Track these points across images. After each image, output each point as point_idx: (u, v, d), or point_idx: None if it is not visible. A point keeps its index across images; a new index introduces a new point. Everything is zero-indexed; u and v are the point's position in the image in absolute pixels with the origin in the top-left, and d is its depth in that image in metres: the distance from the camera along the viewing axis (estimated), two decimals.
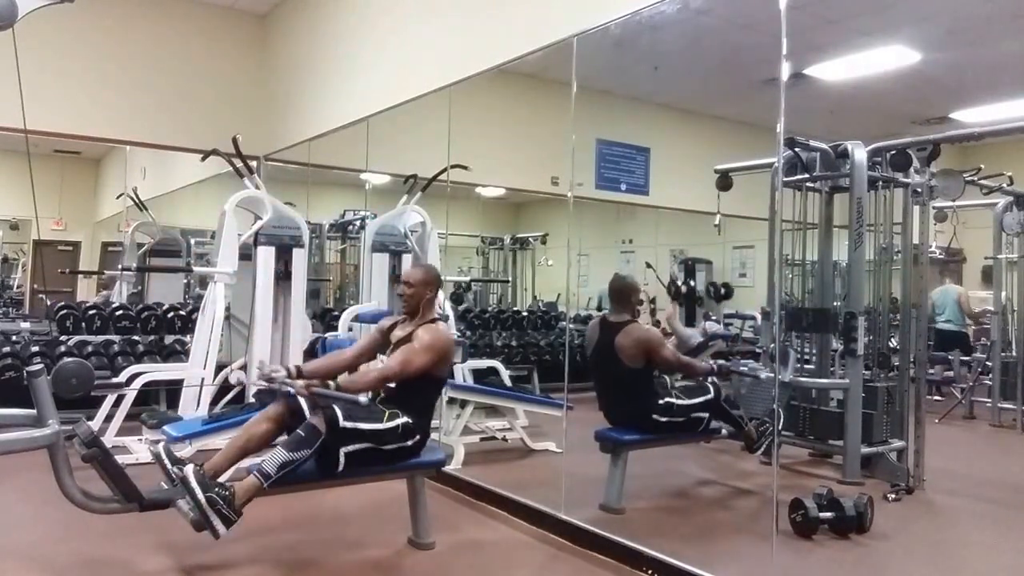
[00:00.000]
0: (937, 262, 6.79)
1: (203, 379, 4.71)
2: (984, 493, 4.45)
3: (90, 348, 5.77)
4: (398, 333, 3.30)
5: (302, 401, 3.04)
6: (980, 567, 3.34)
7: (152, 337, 6.18)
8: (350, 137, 5.65)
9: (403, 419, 3.07)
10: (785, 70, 2.85)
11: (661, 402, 3.79)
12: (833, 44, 4.68)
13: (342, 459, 2.93)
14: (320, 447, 2.87)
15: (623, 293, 3.94)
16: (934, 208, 5.42)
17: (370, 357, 3.24)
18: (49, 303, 6.48)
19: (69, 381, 3.08)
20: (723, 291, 6.42)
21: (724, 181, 5.10)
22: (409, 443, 3.11)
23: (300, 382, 2.92)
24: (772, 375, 4.35)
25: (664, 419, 3.77)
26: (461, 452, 4.60)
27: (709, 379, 4.00)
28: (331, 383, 2.95)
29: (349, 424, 2.92)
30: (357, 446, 2.96)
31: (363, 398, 2.90)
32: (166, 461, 2.85)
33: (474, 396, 4.90)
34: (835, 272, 5.05)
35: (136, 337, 6.12)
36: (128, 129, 6.37)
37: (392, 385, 3.16)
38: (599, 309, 7.76)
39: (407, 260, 5.63)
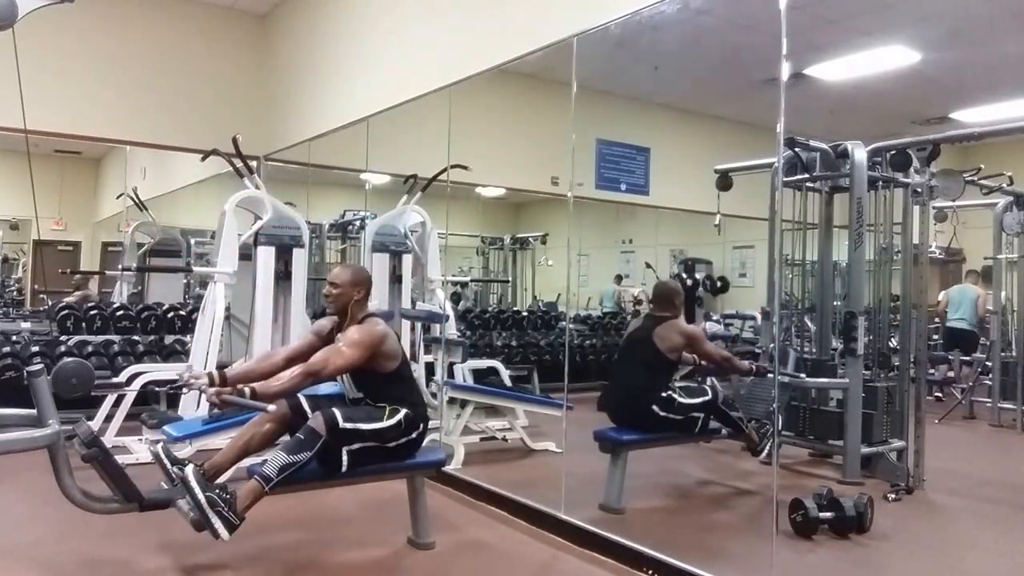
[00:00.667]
0: (939, 263, 6.80)
1: None
2: (984, 493, 4.45)
3: (90, 348, 5.77)
4: (338, 337, 3.18)
5: (303, 401, 3.05)
6: (980, 567, 3.34)
7: (152, 337, 6.18)
8: (350, 137, 5.65)
9: (403, 412, 3.08)
10: (785, 70, 2.85)
11: (663, 394, 3.80)
12: (833, 44, 4.68)
13: (345, 458, 2.94)
14: (321, 448, 2.87)
15: (667, 295, 4.15)
16: (934, 208, 5.43)
17: (305, 359, 3.07)
18: (50, 303, 6.49)
19: (69, 381, 3.08)
20: (719, 284, 6.44)
21: (724, 181, 5.10)
22: (414, 435, 3.12)
23: (212, 389, 2.82)
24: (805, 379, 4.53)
25: (662, 413, 3.78)
26: (461, 452, 4.60)
27: (708, 381, 4.04)
28: (246, 388, 2.81)
29: (349, 425, 2.92)
30: (359, 445, 2.96)
31: (271, 407, 2.84)
32: (166, 461, 2.86)
33: (474, 396, 4.90)
34: (835, 272, 5.05)
35: (136, 337, 6.12)
36: (128, 129, 6.37)
37: (360, 395, 3.13)
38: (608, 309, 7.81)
39: (407, 260, 5.64)
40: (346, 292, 3.18)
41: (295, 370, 2.96)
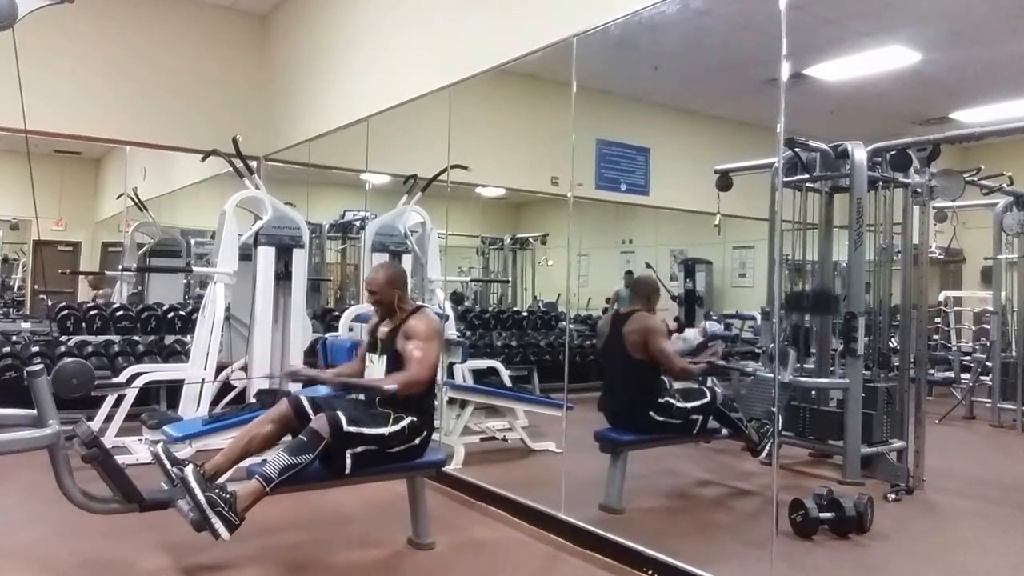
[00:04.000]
0: (939, 263, 6.80)
1: (203, 379, 4.71)
2: (984, 493, 4.45)
3: (90, 348, 5.77)
4: (383, 330, 3.29)
5: (305, 403, 3.05)
6: (980, 567, 3.34)
7: (152, 337, 6.17)
8: (350, 137, 5.65)
9: (408, 419, 3.07)
10: (785, 70, 2.85)
11: (660, 400, 3.79)
12: (833, 44, 4.68)
13: (349, 461, 2.94)
14: (324, 451, 2.86)
15: (639, 288, 4.03)
16: (934, 208, 5.43)
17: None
18: (50, 303, 6.49)
19: (69, 381, 3.08)
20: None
21: (724, 181, 5.10)
22: (417, 441, 3.12)
23: (329, 372, 3.07)
24: (770, 374, 4.38)
25: (661, 418, 3.77)
26: (461, 452, 4.60)
27: (707, 382, 4.00)
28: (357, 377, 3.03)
29: (353, 428, 2.92)
30: (363, 448, 2.96)
31: (388, 385, 3.02)
32: (166, 461, 2.85)
33: (474, 396, 4.90)
34: (835, 272, 5.05)
35: (136, 337, 6.11)
36: (128, 129, 6.37)
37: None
38: (608, 308, 7.79)
39: (407, 260, 5.63)
40: (386, 294, 3.29)
41: (399, 378, 3.07)
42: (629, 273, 7.18)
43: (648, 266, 7.20)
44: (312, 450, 2.83)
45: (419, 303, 3.32)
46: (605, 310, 7.71)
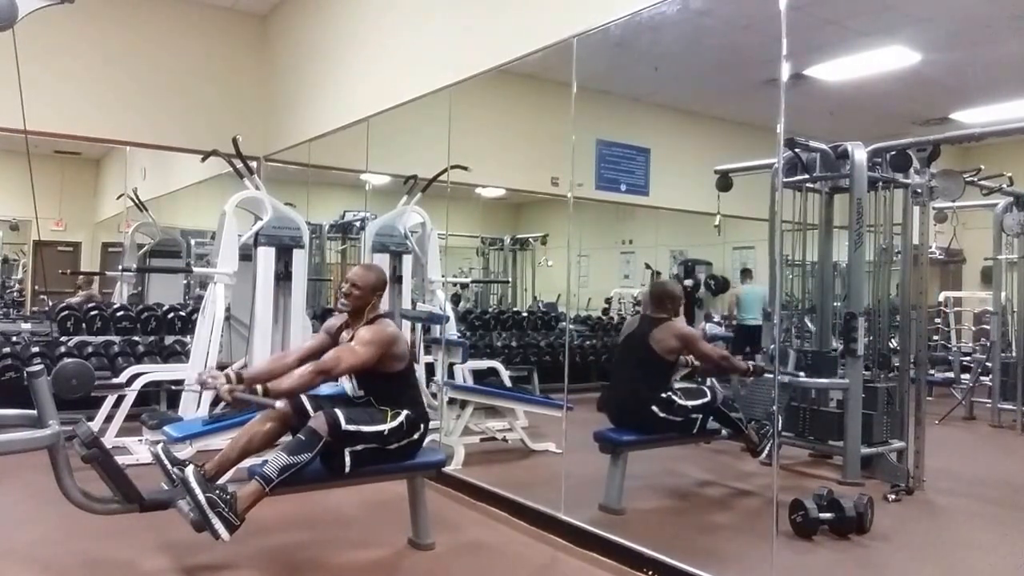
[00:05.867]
0: (939, 263, 6.79)
1: None
2: (984, 493, 4.45)
3: (90, 349, 5.77)
4: (345, 336, 3.24)
5: (305, 401, 3.05)
6: (980, 567, 3.34)
7: (152, 338, 6.17)
8: (350, 137, 5.65)
9: (404, 414, 3.08)
10: (785, 71, 2.85)
11: (663, 395, 3.80)
12: (833, 44, 4.68)
13: (348, 459, 2.94)
14: (323, 449, 2.87)
15: (662, 296, 4.09)
16: (934, 209, 5.43)
17: (317, 358, 3.09)
18: (50, 304, 6.49)
19: (69, 382, 3.08)
20: (721, 282, 6.40)
21: (724, 182, 5.10)
22: (415, 436, 3.12)
23: (227, 386, 2.85)
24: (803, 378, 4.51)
25: (662, 414, 3.77)
26: (461, 453, 4.60)
27: (708, 382, 4.03)
28: (257, 386, 2.87)
29: (352, 427, 2.92)
30: (362, 446, 2.96)
31: (280, 403, 2.91)
32: (166, 462, 2.86)
33: (474, 397, 4.90)
34: (835, 273, 5.05)
35: (136, 338, 6.11)
36: (128, 129, 6.37)
37: (361, 393, 3.14)
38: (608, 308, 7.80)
39: (407, 261, 5.63)
40: (366, 296, 3.21)
41: (306, 368, 2.98)
42: (658, 273, 7.18)
43: (648, 267, 7.21)
44: (311, 449, 2.83)
45: (381, 313, 3.25)
46: (605, 310, 7.72)
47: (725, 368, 4.22)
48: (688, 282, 6.69)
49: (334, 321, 3.33)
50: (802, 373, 4.61)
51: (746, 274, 6.22)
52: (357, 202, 7.28)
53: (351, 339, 3.13)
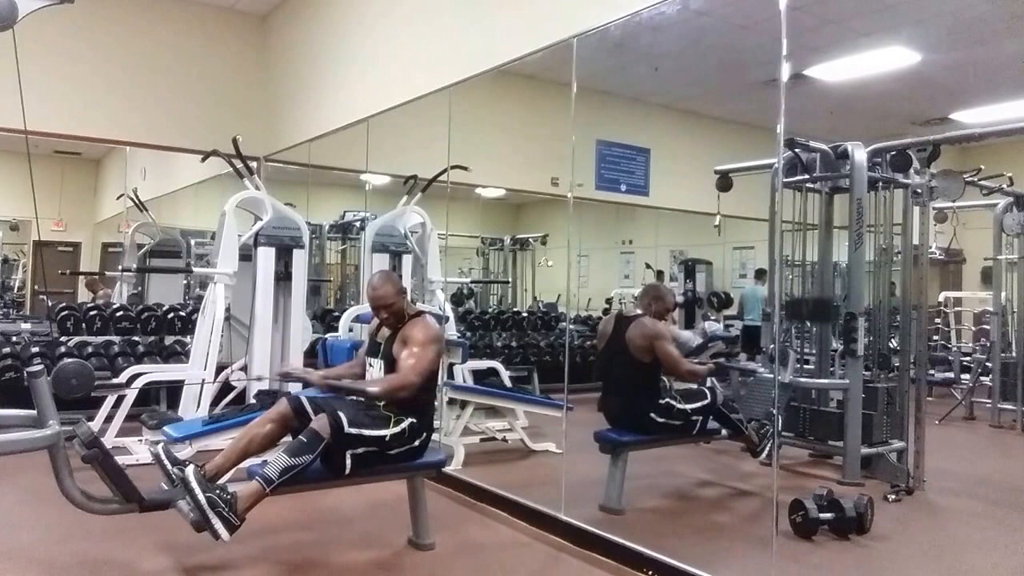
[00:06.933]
0: (939, 264, 6.79)
1: (203, 380, 4.71)
2: (984, 493, 4.45)
3: (90, 349, 5.77)
4: (385, 332, 3.28)
5: (306, 403, 3.05)
6: (980, 567, 3.34)
7: (152, 338, 6.17)
8: (350, 138, 5.65)
9: (408, 420, 3.07)
10: (785, 71, 2.85)
11: (661, 402, 3.79)
12: (833, 44, 4.69)
13: (349, 462, 2.94)
14: (324, 451, 2.87)
15: (645, 294, 4.06)
16: (934, 209, 5.43)
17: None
18: (50, 304, 6.49)
19: (69, 382, 3.09)
20: (725, 299, 6.39)
21: (724, 182, 5.10)
22: (416, 443, 3.12)
23: (317, 374, 3.04)
24: (770, 375, 4.38)
25: (661, 420, 3.77)
26: (461, 453, 4.60)
27: (708, 383, 4.00)
28: (345, 381, 3.04)
29: (354, 430, 2.92)
30: (363, 449, 2.96)
31: (372, 388, 3.03)
32: (166, 462, 2.85)
33: (474, 397, 4.90)
34: (835, 273, 5.05)
35: (136, 338, 6.11)
36: (128, 129, 6.36)
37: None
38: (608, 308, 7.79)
39: (407, 261, 5.64)
40: (397, 302, 3.25)
41: (392, 378, 3.08)
42: (659, 273, 7.18)
43: (648, 267, 7.21)
44: (312, 451, 2.83)
45: (420, 307, 3.29)
46: (605, 311, 7.72)
47: (684, 375, 3.99)
48: (688, 285, 6.69)
49: (373, 321, 3.42)
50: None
51: (761, 274, 6.20)
52: (357, 202, 7.29)
53: (392, 336, 3.20)
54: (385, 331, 3.28)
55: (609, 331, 3.99)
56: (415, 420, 3.10)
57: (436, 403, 3.38)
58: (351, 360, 3.70)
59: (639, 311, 3.95)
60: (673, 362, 3.85)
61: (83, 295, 7.24)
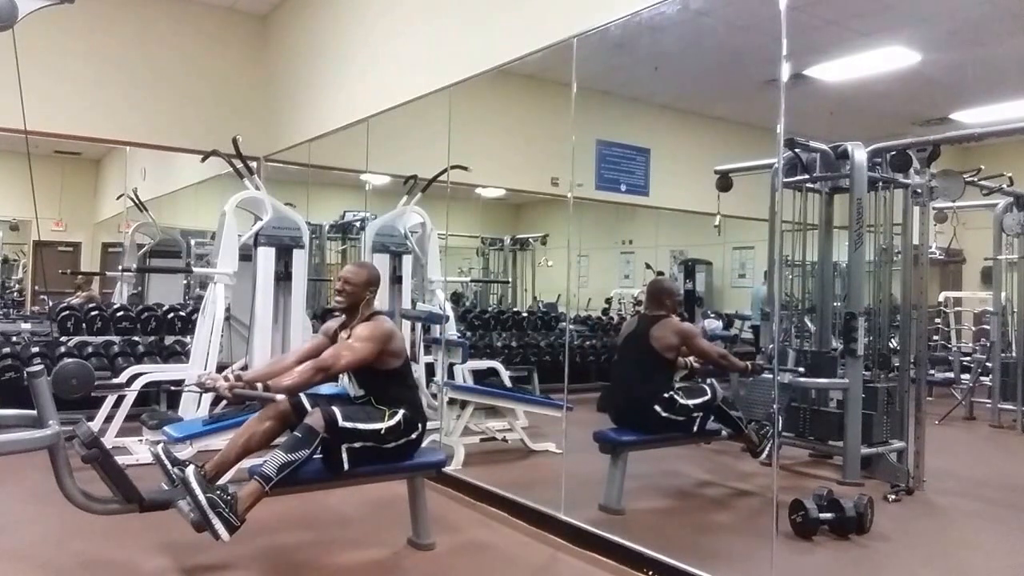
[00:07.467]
0: (939, 264, 6.80)
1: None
2: (984, 494, 4.45)
3: (90, 349, 5.77)
4: (343, 336, 3.25)
5: (304, 399, 3.05)
6: (980, 567, 3.34)
7: (152, 338, 6.17)
8: (350, 138, 5.65)
9: (402, 412, 3.08)
10: (785, 71, 2.85)
11: (666, 395, 3.80)
12: (833, 45, 4.69)
13: (345, 456, 2.94)
14: (320, 446, 2.88)
15: (660, 293, 4.09)
16: (934, 209, 5.43)
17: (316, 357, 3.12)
18: (50, 304, 6.49)
19: (69, 382, 3.07)
20: (730, 321, 6.40)
21: (724, 182, 5.10)
22: (412, 435, 3.13)
23: (225, 383, 2.86)
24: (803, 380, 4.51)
25: (665, 414, 3.78)
26: (461, 453, 4.60)
27: (708, 381, 4.02)
28: (258, 384, 2.87)
29: (348, 424, 2.93)
30: (360, 444, 2.97)
31: (286, 382, 2.90)
32: (166, 462, 2.86)
33: (474, 397, 4.90)
34: (835, 273, 5.05)
35: (136, 338, 6.11)
36: (128, 129, 6.36)
37: (361, 392, 3.15)
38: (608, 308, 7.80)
39: (407, 261, 5.64)
40: (359, 291, 3.23)
41: (307, 365, 3.00)
42: (660, 273, 7.18)
43: (648, 267, 7.21)
44: (308, 445, 2.84)
45: (378, 312, 3.26)
46: (605, 311, 7.73)
47: (724, 366, 4.20)
48: (688, 284, 6.70)
49: (332, 323, 3.36)
50: (801, 368, 4.60)
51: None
52: (357, 202, 7.28)
53: (348, 337, 3.15)
54: (343, 334, 3.24)
55: (632, 327, 4.10)
56: (408, 412, 3.10)
57: (424, 400, 3.34)
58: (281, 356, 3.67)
59: (661, 311, 4.00)
60: (711, 356, 4.10)
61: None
